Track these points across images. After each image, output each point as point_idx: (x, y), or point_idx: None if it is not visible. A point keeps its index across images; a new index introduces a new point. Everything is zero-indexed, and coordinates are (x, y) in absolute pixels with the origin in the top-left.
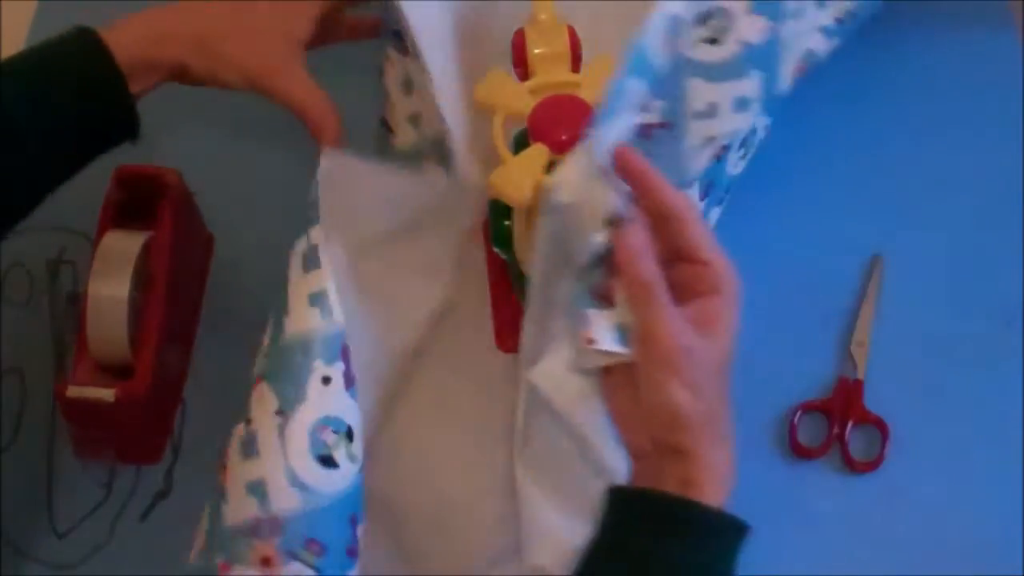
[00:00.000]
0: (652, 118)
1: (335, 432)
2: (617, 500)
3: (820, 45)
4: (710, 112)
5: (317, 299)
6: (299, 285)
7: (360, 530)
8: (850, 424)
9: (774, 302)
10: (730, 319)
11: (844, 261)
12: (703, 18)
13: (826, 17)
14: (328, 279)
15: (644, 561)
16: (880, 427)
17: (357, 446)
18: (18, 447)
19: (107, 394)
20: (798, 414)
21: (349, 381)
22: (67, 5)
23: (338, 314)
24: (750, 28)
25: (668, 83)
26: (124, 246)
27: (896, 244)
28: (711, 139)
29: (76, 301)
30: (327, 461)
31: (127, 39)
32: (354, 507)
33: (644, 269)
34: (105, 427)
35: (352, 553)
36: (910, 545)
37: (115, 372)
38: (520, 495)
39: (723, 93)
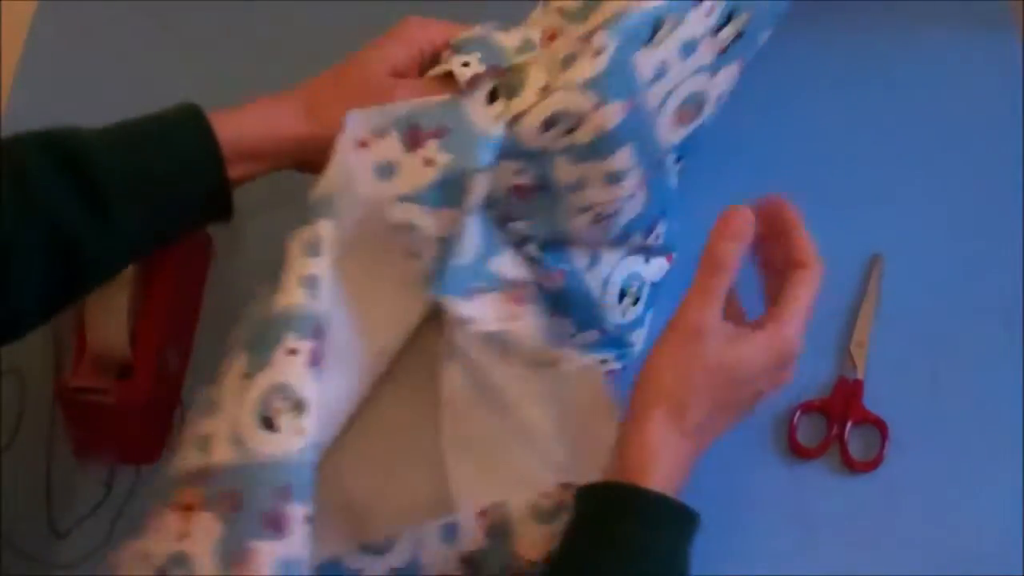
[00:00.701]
0: (525, 180)
1: (284, 399)
2: (577, 497)
3: (704, 84)
4: (579, 185)
5: (308, 281)
6: (296, 266)
7: (301, 513)
8: (849, 424)
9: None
10: (764, 357)
11: (844, 261)
12: (548, 125)
13: (702, 57)
14: (325, 268)
15: (587, 551)
16: (879, 427)
17: (308, 423)
18: (18, 447)
19: (107, 394)
20: (797, 414)
21: (316, 359)
22: (67, 5)
23: (324, 299)
24: (602, 117)
25: (535, 157)
26: None
27: (896, 244)
28: (585, 208)
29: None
30: (267, 423)
31: (236, 123)
32: (290, 481)
33: (724, 249)
34: (105, 427)
35: (273, 525)
36: (910, 545)
37: (115, 372)
38: (451, 477)
39: (591, 170)
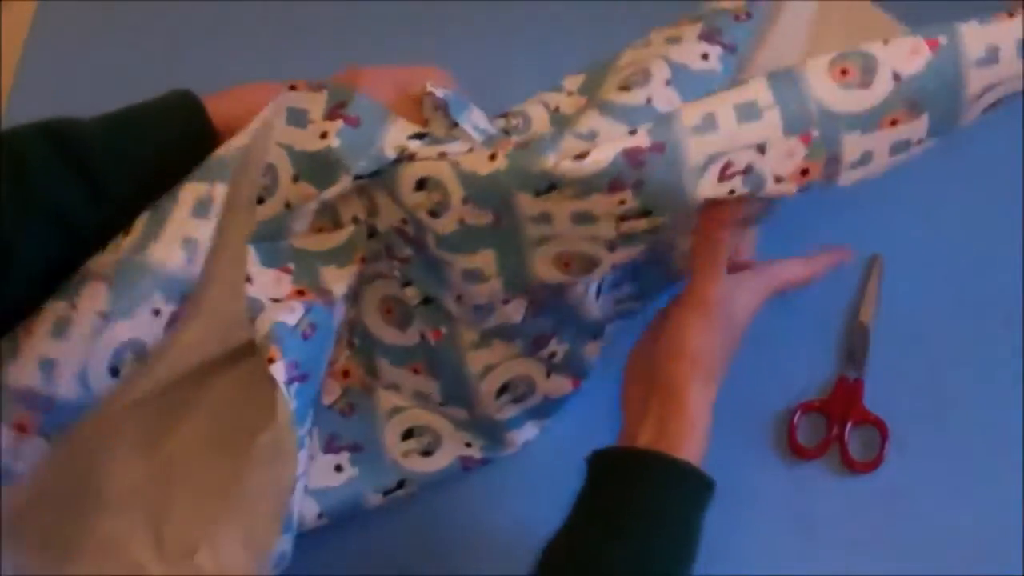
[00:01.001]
0: (410, 230)
1: (135, 354)
2: (590, 463)
3: (597, 251)
4: (446, 263)
5: (190, 244)
6: (181, 223)
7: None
8: (849, 424)
9: (774, 302)
10: (760, 299)
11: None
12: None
13: (599, 230)
14: (208, 234)
15: (610, 511)
16: (879, 427)
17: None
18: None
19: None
20: (797, 414)
21: (173, 322)
22: (67, 5)
23: (198, 267)
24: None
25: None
26: None
27: (896, 244)
28: (451, 285)
29: None
30: (115, 372)
31: (225, 101)
32: None
33: (719, 233)
34: None
35: None
36: (910, 545)
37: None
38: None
39: (453, 258)
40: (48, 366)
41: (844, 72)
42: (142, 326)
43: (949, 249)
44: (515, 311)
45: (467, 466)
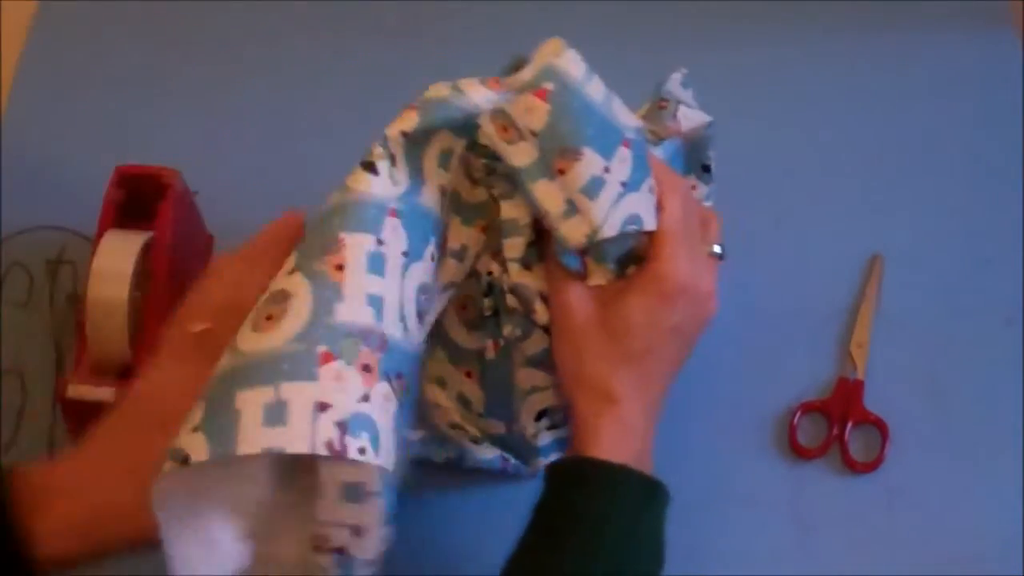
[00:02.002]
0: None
1: (425, 296)
2: (543, 475)
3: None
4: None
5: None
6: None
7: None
8: (850, 424)
9: (774, 302)
10: (645, 299)
11: (844, 261)
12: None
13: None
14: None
15: (552, 518)
16: (880, 427)
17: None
18: (18, 447)
19: (107, 394)
20: (798, 414)
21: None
22: (67, 5)
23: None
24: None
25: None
26: (124, 246)
27: (896, 244)
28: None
29: (76, 301)
30: (421, 317)
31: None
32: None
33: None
34: None
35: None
36: (910, 545)
37: (115, 372)
38: None
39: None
40: (375, 302)
41: (505, 129)
42: (427, 270)
43: (949, 249)
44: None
45: (504, 468)
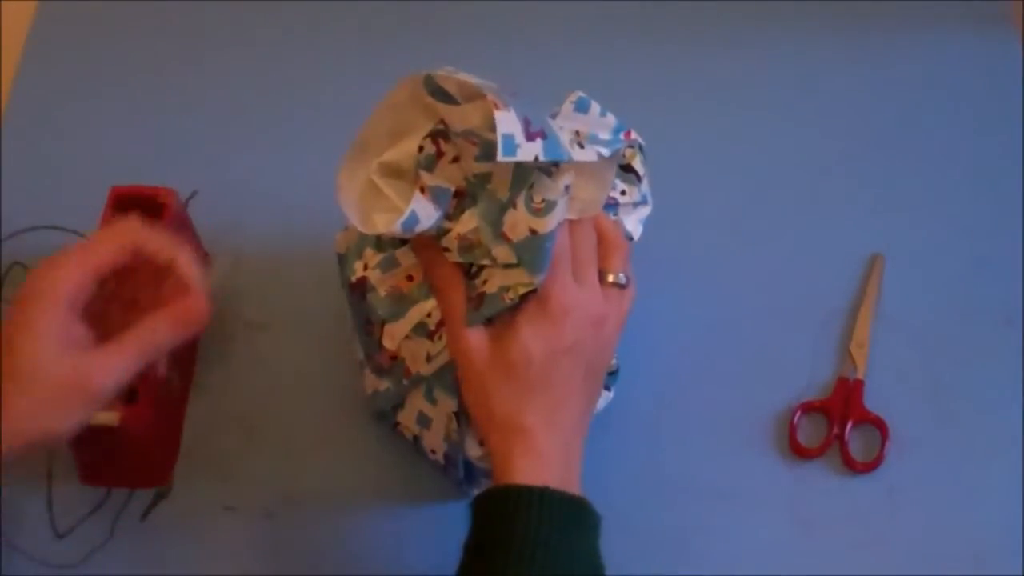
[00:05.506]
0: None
1: None
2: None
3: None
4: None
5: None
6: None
7: None
8: (850, 424)
9: (774, 302)
10: (531, 330)
11: (844, 261)
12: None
13: None
14: None
15: (478, 548)
16: (880, 427)
17: None
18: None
19: (111, 418)
20: (798, 414)
21: None
22: (67, 5)
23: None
24: None
25: None
26: None
27: (896, 244)
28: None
29: None
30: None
31: None
32: None
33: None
34: (110, 452)
35: None
36: (910, 545)
37: (118, 395)
38: None
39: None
40: None
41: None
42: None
43: (949, 249)
44: None
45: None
